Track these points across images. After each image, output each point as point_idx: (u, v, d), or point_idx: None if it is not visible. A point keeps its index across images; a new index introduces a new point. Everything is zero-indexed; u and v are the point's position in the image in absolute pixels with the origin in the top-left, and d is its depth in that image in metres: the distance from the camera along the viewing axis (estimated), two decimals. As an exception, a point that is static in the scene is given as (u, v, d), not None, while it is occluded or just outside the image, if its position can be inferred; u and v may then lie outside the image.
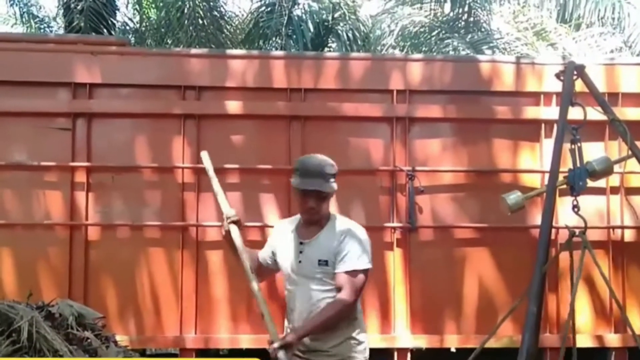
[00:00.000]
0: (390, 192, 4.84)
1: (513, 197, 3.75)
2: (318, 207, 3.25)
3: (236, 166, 4.77)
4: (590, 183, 3.77)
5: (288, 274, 3.33)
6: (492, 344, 4.65)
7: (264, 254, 3.57)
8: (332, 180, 3.28)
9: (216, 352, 5.32)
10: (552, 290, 4.73)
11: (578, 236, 3.62)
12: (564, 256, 4.54)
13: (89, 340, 3.14)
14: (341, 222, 3.35)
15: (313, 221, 3.31)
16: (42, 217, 4.69)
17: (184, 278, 4.67)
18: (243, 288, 4.64)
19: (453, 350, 4.97)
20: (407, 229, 4.78)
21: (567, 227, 3.76)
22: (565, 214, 4.70)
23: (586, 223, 3.64)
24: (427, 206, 4.83)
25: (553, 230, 4.26)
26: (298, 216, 3.45)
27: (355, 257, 3.24)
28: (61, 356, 2.89)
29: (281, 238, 3.42)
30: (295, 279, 3.28)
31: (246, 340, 4.66)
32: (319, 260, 3.23)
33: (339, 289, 3.24)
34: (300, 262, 3.26)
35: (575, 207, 3.64)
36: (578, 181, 3.63)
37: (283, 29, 11.65)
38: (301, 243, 3.28)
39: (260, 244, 4.60)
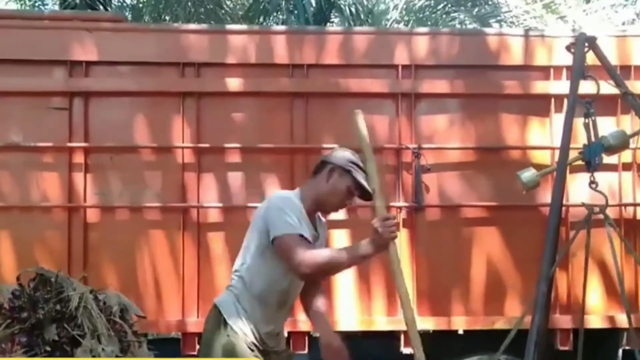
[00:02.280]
0: (395, 170, 4.73)
1: (527, 174, 3.63)
2: None
3: (237, 145, 4.67)
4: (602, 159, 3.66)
5: None
6: (501, 325, 4.59)
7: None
8: None
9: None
10: (562, 270, 4.62)
11: (598, 213, 3.50)
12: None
13: (125, 333, 3.19)
14: None
15: (329, 213, 3.08)
16: (39, 199, 4.60)
17: (186, 261, 4.58)
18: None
19: (461, 332, 4.89)
20: (413, 209, 4.67)
21: (584, 204, 3.63)
22: (576, 192, 4.62)
23: (607, 199, 3.53)
24: (434, 185, 4.72)
25: (563, 209, 4.15)
26: (297, 193, 2.99)
27: None
28: (98, 336, 3.05)
29: (303, 220, 2.86)
30: None
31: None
32: None
33: None
34: None
35: (593, 183, 3.52)
36: (594, 156, 3.51)
37: (284, 4, 11.47)
38: (316, 231, 3.04)
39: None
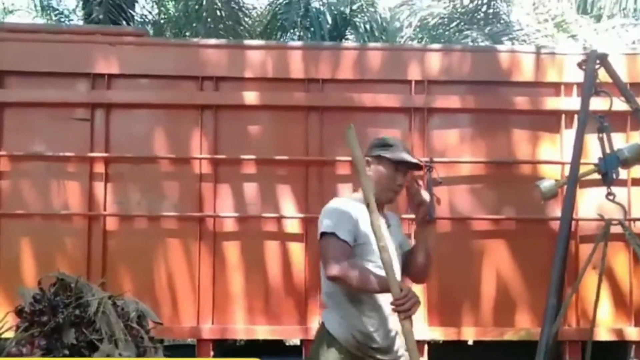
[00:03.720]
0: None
1: (546, 184, 3.67)
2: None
3: (253, 157, 4.77)
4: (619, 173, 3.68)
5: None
6: (510, 336, 4.64)
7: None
8: None
9: (233, 343, 5.34)
10: (572, 282, 4.65)
11: (617, 225, 3.53)
12: (584, 249, 4.54)
13: (142, 338, 3.25)
14: None
15: (392, 202, 2.99)
16: (60, 208, 4.72)
17: (202, 269, 4.67)
18: (260, 279, 4.67)
19: (470, 343, 4.93)
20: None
21: (602, 217, 3.67)
22: (586, 207, 4.67)
23: (626, 210, 3.56)
24: (445, 198, 4.75)
25: (573, 223, 4.20)
26: (358, 196, 2.88)
27: None
28: (116, 341, 3.01)
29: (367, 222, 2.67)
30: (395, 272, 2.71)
31: (262, 332, 4.66)
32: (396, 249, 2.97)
33: None
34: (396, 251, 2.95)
35: (610, 195, 3.54)
36: (610, 169, 3.54)
37: (300, 21, 11.62)
38: (389, 226, 2.93)
39: (277, 236, 4.66)
